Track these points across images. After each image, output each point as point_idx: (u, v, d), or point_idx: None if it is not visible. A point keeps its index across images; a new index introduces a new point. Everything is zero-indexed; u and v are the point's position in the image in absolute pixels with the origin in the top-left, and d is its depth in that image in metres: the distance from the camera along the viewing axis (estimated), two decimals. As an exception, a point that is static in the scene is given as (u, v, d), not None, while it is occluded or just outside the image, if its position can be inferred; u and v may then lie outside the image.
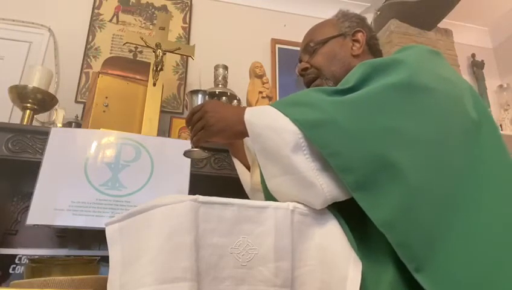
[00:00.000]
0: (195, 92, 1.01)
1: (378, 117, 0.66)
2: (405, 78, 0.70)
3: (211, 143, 0.90)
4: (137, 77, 1.54)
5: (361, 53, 1.00)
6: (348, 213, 0.68)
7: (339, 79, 0.95)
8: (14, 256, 1.32)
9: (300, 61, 1.07)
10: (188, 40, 2.11)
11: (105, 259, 0.74)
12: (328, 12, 2.38)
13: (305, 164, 0.66)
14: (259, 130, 0.73)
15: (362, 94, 0.69)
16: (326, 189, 0.66)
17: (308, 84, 1.03)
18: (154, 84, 1.44)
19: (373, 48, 1.05)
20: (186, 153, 0.92)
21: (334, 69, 0.98)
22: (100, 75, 1.44)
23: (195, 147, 0.90)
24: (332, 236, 0.67)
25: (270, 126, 0.71)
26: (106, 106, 1.40)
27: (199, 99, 0.99)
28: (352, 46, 1.01)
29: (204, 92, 1.01)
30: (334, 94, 0.72)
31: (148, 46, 1.47)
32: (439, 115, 0.69)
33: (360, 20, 1.07)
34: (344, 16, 1.06)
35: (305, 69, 1.03)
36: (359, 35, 1.02)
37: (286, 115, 0.70)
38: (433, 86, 0.72)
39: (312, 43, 1.02)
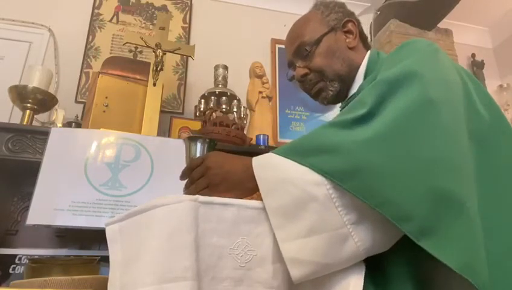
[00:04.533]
0: (193, 139, 0.95)
1: (417, 149, 0.58)
2: (424, 95, 0.63)
3: None
4: (137, 77, 1.54)
5: (356, 43, 0.96)
6: None
7: (342, 77, 0.94)
8: (14, 256, 1.32)
9: (292, 65, 1.00)
10: (188, 40, 2.11)
11: (105, 259, 0.74)
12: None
13: (338, 218, 0.57)
14: (274, 186, 0.62)
15: (389, 124, 0.60)
16: (361, 246, 0.58)
17: (311, 90, 0.97)
18: (154, 84, 1.45)
19: (362, 35, 1.00)
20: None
21: (336, 68, 0.93)
22: (100, 75, 1.45)
23: None
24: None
25: (287, 180, 0.61)
26: (106, 106, 1.40)
27: (198, 149, 0.93)
28: (346, 38, 0.96)
29: (203, 140, 0.95)
30: (352, 125, 0.63)
31: (148, 46, 1.47)
32: (462, 129, 0.65)
33: (343, 8, 1.01)
34: (326, 7, 0.99)
35: (305, 74, 0.96)
36: (350, 26, 0.97)
37: (304, 165, 0.60)
38: (449, 97, 0.67)
39: (306, 46, 0.94)
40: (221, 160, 0.72)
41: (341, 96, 0.96)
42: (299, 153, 0.63)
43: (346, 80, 0.94)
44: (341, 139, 0.61)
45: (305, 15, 1.03)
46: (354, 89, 0.94)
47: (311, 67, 0.95)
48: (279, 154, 0.65)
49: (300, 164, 0.61)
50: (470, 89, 0.73)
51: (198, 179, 0.72)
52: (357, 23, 1.00)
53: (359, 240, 0.58)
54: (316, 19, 0.98)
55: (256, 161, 0.67)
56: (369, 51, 0.97)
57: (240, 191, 0.69)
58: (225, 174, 0.70)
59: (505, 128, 0.73)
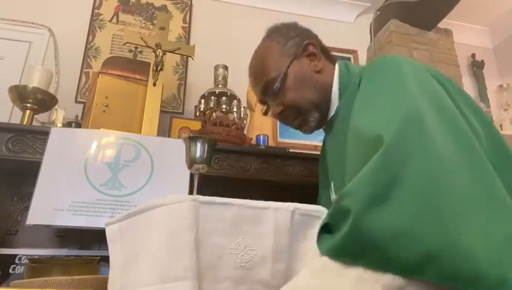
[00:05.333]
0: (193, 139, 0.95)
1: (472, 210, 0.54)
2: (435, 159, 0.57)
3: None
4: (137, 77, 1.54)
5: (322, 65, 0.92)
6: None
7: (318, 104, 0.90)
8: (14, 256, 1.32)
9: (264, 103, 0.97)
10: (188, 40, 2.11)
11: (105, 259, 0.74)
12: (328, 13, 2.39)
13: None
14: None
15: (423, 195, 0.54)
16: None
17: (293, 125, 0.94)
18: (154, 84, 1.44)
19: (325, 51, 0.96)
20: None
21: (309, 98, 0.89)
22: (100, 75, 1.44)
23: None
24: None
25: None
26: (106, 106, 1.40)
27: (198, 148, 0.95)
28: (310, 62, 0.91)
29: (203, 140, 0.95)
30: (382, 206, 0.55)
31: (148, 46, 1.47)
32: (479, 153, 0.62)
33: (297, 30, 0.96)
34: (281, 36, 0.94)
35: (280, 112, 0.92)
36: (311, 48, 0.92)
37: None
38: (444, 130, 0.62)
39: (274, 83, 0.89)
40: None
41: (322, 121, 0.94)
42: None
43: (323, 105, 0.91)
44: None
45: (261, 50, 0.97)
46: (332, 111, 0.91)
47: (285, 104, 0.91)
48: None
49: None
50: (458, 102, 0.71)
51: None
52: (316, 41, 0.95)
53: None
54: (274, 51, 0.93)
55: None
56: (336, 66, 0.94)
57: None
58: None
59: (497, 142, 0.70)
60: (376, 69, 0.79)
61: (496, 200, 0.56)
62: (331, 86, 0.91)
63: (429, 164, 0.56)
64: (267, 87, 0.92)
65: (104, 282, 0.65)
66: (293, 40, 0.92)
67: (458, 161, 0.58)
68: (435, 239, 0.51)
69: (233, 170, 1.39)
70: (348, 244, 0.55)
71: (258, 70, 0.95)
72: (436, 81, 0.73)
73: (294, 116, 0.92)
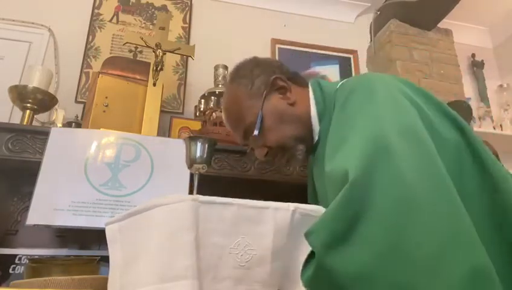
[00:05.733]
0: (193, 139, 0.95)
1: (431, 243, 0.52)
2: (403, 193, 0.55)
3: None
4: (137, 77, 1.54)
5: (294, 95, 0.89)
6: None
7: (302, 137, 0.88)
8: (14, 256, 1.32)
9: (247, 145, 0.96)
10: (188, 40, 2.11)
11: (105, 259, 0.74)
12: (328, 13, 2.39)
13: None
14: None
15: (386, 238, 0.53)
16: None
17: (282, 162, 0.93)
18: (154, 84, 1.44)
19: (294, 78, 0.93)
20: None
21: (291, 133, 0.87)
22: (100, 75, 1.44)
23: None
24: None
25: None
26: (106, 106, 1.40)
27: (198, 148, 0.94)
28: (282, 97, 0.89)
29: (203, 140, 0.95)
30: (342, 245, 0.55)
31: (148, 46, 1.47)
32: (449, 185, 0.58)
33: (260, 66, 0.93)
34: (246, 78, 0.91)
35: (266, 154, 0.91)
36: (279, 82, 0.89)
37: None
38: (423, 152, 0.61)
39: (252, 129, 0.87)
40: None
41: (309, 150, 0.92)
42: None
43: (306, 135, 0.89)
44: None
45: (230, 96, 0.94)
46: (316, 135, 0.89)
47: (268, 145, 0.89)
48: None
49: None
50: (429, 117, 0.69)
51: None
52: (281, 71, 0.92)
53: None
54: (244, 95, 0.90)
55: None
56: (310, 89, 0.91)
57: None
58: None
59: (472, 147, 0.68)
60: (349, 93, 0.76)
61: (461, 240, 0.53)
62: (309, 114, 0.88)
63: (394, 201, 0.54)
64: (246, 133, 0.90)
65: (104, 282, 0.65)
66: (259, 79, 0.90)
67: (423, 195, 0.55)
68: (393, 285, 0.51)
69: (233, 170, 1.39)
70: (316, 280, 0.56)
71: (233, 119, 0.93)
72: (408, 99, 0.70)
73: (281, 154, 0.91)
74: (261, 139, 0.88)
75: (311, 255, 0.58)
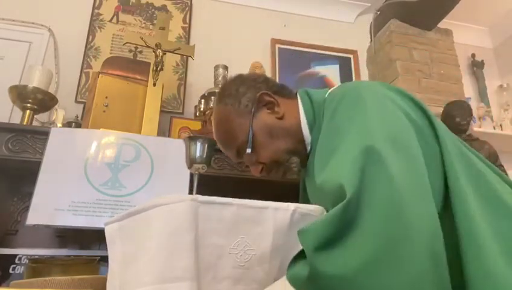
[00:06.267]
0: (193, 139, 0.95)
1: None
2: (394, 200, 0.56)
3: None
4: (137, 77, 1.54)
5: (282, 108, 0.89)
6: None
7: (294, 149, 0.88)
8: (14, 256, 1.32)
9: (240, 162, 0.96)
10: (188, 40, 2.11)
11: (105, 259, 0.74)
12: (328, 13, 2.39)
13: None
14: None
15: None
16: None
17: (278, 176, 0.92)
18: (154, 84, 1.45)
19: (281, 92, 0.92)
20: None
21: (284, 147, 0.87)
22: (100, 75, 1.45)
23: None
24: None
25: None
26: (106, 106, 1.40)
27: (198, 148, 0.95)
28: (271, 112, 0.89)
29: (203, 140, 0.95)
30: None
31: (148, 46, 1.47)
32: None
33: (245, 83, 0.93)
34: (233, 97, 0.91)
35: (262, 169, 0.91)
36: (265, 98, 0.89)
37: None
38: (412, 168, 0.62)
39: (244, 147, 0.87)
40: None
41: (304, 160, 0.91)
42: None
43: (299, 147, 0.89)
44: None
45: (219, 117, 0.93)
46: (308, 146, 0.89)
47: (262, 161, 0.90)
48: None
49: None
50: (417, 123, 0.70)
51: None
52: (267, 86, 0.92)
53: None
54: (232, 115, 0.90)
55: None
56: (298, 99, 0.90)
57: None
58: None
59: (456, 151, 0.69)
60: (337, 103, 0.76)
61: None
62: (299, 125, 0.88)
63: (387, 210, 0.55)
64: (239, 152, 0.91)
65: (104, 282, 0.65)
66: (245, 97, 0.90)
67: (414, 202, 0.56)
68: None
69: (233, 170, 1.39)
70: (308, 281, 0.56)
71: (224, 138, 0.93)
72: (397, 106, 0.71)
73: (276, 168, 0.90)
74: (255, 156, 0.89)
75: (301, 254, 0.59)
